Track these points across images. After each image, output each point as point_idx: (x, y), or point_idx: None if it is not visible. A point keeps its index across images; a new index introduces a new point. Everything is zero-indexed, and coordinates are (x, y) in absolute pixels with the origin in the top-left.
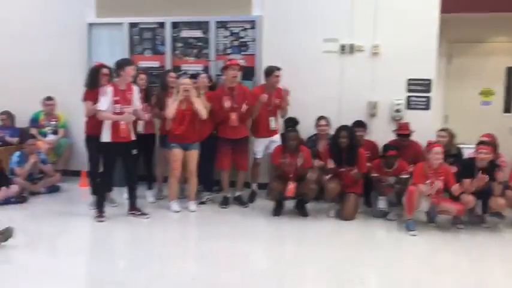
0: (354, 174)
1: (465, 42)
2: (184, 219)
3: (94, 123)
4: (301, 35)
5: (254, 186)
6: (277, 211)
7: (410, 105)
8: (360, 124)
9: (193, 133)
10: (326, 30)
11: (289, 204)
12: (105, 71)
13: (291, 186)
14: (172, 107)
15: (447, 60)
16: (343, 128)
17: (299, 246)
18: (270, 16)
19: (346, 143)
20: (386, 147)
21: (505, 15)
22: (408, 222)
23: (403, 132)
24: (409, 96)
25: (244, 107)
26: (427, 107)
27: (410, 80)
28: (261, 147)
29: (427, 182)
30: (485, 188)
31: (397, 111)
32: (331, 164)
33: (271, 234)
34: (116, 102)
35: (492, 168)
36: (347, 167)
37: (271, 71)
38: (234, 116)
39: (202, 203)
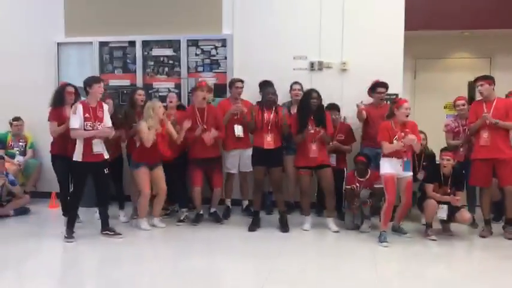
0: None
1: (429, 58)
2: (158, 237)
3: (60, 142)
4: (272, 53)
5: (228, 202)
6: (254, 227)
7: None
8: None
9: (157, 152)
10: (296, 48)
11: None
12: (69, 89)
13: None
14: (150, 135)
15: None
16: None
17: (276, 260)
18: (239, 35)
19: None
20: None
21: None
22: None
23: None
24: None
25: (214, 132)
26: None
27: None
28: (233, 161)
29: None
30: None
31: None
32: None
33: (247, 249)
34: (86, 119)
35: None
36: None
37: (232, 83)
38: (207, 137)
39: (181, 221)
